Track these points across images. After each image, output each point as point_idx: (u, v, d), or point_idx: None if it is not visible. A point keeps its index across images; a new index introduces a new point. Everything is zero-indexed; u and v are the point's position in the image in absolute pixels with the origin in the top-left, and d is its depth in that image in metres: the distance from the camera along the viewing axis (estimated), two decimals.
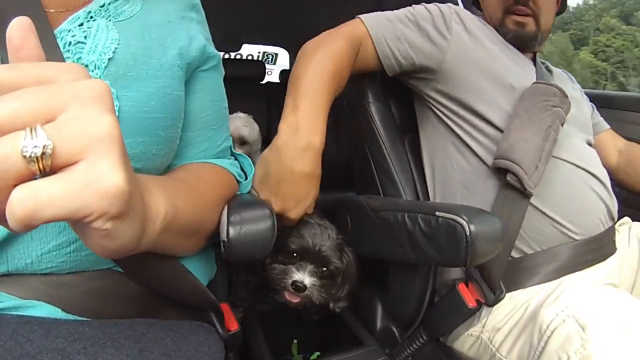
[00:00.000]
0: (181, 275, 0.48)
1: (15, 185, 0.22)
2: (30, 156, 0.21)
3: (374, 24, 0.82)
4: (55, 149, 0.22)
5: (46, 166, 0.22)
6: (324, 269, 0.77)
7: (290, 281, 0.75)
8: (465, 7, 1.03)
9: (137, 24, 0.48)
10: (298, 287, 0.75)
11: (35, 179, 0.22)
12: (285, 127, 0.71)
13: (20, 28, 0.25)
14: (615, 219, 0.83)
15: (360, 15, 0.84)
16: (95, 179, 0.23)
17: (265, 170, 0.71)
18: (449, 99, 0.83)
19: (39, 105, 0.22)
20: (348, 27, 0.83)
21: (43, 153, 0.22)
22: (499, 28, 0.89)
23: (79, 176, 0.23)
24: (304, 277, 0.75)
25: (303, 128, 0.70)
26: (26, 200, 0.21)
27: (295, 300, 0.77)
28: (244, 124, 1.55)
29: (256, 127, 1.59)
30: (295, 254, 0.77)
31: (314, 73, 0.75)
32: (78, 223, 0.26)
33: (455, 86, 0.82)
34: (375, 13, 0.85)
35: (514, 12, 0.87)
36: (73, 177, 0.23)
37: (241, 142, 1.54)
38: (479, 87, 0.80)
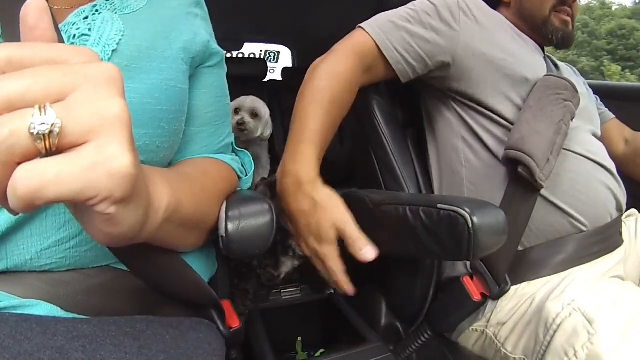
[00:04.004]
0: (182, 271, 0.48)
1: (19, 163, 0.22)
2: (37, 133, 0.21)
3: (377, 31, 0.78)
4: (63, 128, 0.22)
5: (53, 145, 0.22)
6: None
7: None
8: None
9: (142, 17, 0.49)
10: None
11: (40, 158, 0.22)
12: (278, 170, 0.70)
13: (35, 8, 0.25)
14: (624, 210, 0.82)
15: (361, 24, 0.81)
16: (104, 160, 0.23)
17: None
18: (462, 95, 0.81)
19: (50, 84, 0.22)
20: (352, 39, 0.79)
21: (51, 131, 0.22)
22: (543, 26, 0.87)
23: (87, 156, 0.23)
24: None
25: (287, 166, 0.68)
26: (31, 177, 0.21)
27: None
28: (256, 100, 1.62)
29: (267, 110, 1.65)
30: None
31: (305, 107, 0.72)
32: (81, 206, 0.26)
33: (469, 81, 0.80)
34: (376, 17, 0.81)
35: (560, 10, 0.86)
36: (81, 157, 0.23)
37: (253, 114, 1.60)
38: (492, 81, 0.79)
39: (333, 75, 0.73)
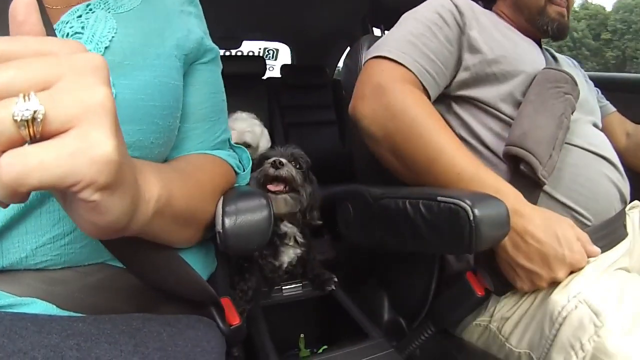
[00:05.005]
0: (180, 269, 0.48)
1: (4, 152, 0.22)
2: (20, 120, 0.22)
3: (410, 60, 0.75)
4: (46, 115, 0.22)
5: (37, 132, 0.22)
6: (293, 163, 0.94)
7: (269, 164, 0.89)
8: None
9: (136, 16, 0.49)
10: (276, 165, 0.88)
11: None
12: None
13: (24, 4, 0.25)
14: (628, 202, 0.82)
15: (382, 53, 0.76)
16: (86, 146, 0.24)
17: None
18: (463, 94, 0.81)
19: (34, 74, 0.23)
20: (386, 72, 0.74)
21: (34, 118, 0.22)
22: (539, 17, 0.87)
23: (70, 142, 0.23)
24: (279, 158, 0.91)
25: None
26: (15, 164, 0.22)
27: (278, 187, 0.90)
28: (247, 129, 1.50)
29: (257, 126, 1.56)
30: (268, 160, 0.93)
31: (420, 147, 0.68)
32: (66, 194, 0.26)
33: (470, 78, 0.80)
34: (393, 41, 0.78)
35: (555, 2, 0.86)
36: (63, 143, 0.23)
37: (245, 145, 1.51)
38: (492, 77, 0.78)
39: (406, 106, 0.70)
